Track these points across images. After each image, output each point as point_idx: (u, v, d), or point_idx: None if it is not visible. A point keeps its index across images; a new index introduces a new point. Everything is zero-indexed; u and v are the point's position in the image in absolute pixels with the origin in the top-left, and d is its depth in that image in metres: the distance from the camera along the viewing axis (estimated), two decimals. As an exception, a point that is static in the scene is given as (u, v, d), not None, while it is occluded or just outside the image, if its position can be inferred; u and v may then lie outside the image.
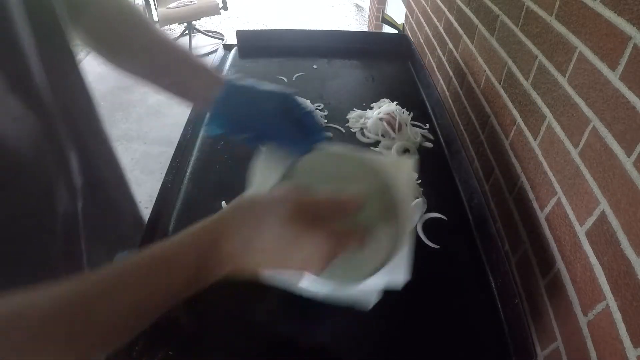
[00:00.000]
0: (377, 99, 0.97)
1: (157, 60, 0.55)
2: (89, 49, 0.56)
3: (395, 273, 0.43)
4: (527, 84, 0.80)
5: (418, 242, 0.66)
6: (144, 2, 3.41)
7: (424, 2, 1.58)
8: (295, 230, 0.35)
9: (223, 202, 0.70)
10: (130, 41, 0.55)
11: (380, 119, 0.88)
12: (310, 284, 0.42)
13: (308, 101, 0.95)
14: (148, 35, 0.55)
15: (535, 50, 0.77)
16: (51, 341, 0.29)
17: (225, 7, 3.72)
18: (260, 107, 0.52)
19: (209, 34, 3.82)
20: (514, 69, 0.85)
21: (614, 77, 0.56)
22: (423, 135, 0.90)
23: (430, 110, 0.99)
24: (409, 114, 0.93)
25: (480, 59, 1.03)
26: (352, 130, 0.92)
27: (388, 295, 0.59)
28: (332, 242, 0.36)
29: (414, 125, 0.91)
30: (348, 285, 0.43)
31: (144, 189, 1.84)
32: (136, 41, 0.55)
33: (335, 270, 0.38)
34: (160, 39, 0.56)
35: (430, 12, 1.51)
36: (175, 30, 3.91)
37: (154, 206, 0.65)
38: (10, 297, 0.28)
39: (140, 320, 0.33)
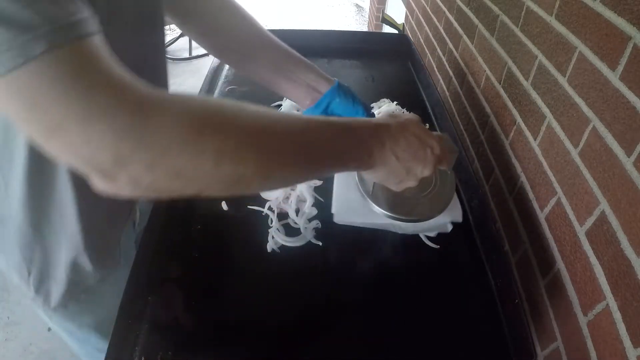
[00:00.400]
0: (377, 99, 0.97)
1: (265, 57, 0.67)
2: (202, 46, 0.70)
3: (454, 212, 0.61)
4: (527, 84, 0.80)
5: (418, 243, 0.66)
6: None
7: (424, 2, 1.58)
8: (422, 132, 0.50)
9: (223, 203, 0.70)
10: (240, 41, 0.67)
11: (380, 119, 0.88)
12: (402, 225, 0.60)
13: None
14: (256, 34, 0.67)
15: (535, 50, 0.77)
16: (287, 150, 0.40)
17: (225, 7, 3.71)
18: (352, 104, 0.68)
19: (209, 34, 3.80)
20: (514, 69, 0.85)
21: (614, 77, 0.56)
22: (423, 135, 0.89)
23: (430, 110, 0.99)
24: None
25: (480, 59, 1.03)
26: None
27: (388, 294, 0.60)
28: (441, 149, 0.51)
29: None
30: (427, 221, 0.59)
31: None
32: (245, 40, 0.67)
33: (417, 209, 0.58)
34: (269, 38, 0.67)
35: (430, 12, 1.51)
36: (175, 30, 3.91)
37: (153, 205, 0.65)
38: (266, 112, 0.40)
39: (323, 160, 0.44)
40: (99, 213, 0.60)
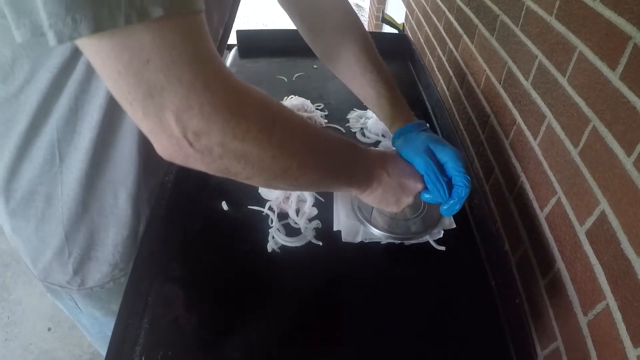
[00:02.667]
0: (377, 99, 0.97)
1: (348, 68, 0.72)
2: (299, 29, 0.73)
3: (446, 221, 0.68)
4: (527, 84, 0.80)
5: (418, 243, 0.66)
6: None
7: (424, 2, 1.58)
8: (408, 166, 0.57)
9: (223, 202, 0.70)
10: (346, 59, 0.71)
11: (381, 119, 0.88)
12: (402, 238, 0.66)
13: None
14: (367, 55, 0.70)
15: (535, 50, 0.77)
16: (313, 151, 0.45)
17: (225, 7, 3.70)
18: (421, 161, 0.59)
19: (209, 33, 3.79)
20: (514, 68, 0.85)
21: (614, 77, 0.56)
22: (423, 135, 0.89)
23: (430, 110, 0.99)
24: (409, 114, 0.92)
25: (480, 59, 1.03)
26: (353, 130, 0.92)
27: (388, 294, 0.60)
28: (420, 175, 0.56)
29: (414, 125, 0.91)
30: (425, 233, 0.66)
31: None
32: (352, 60, 0.70)
33: (413, 227, 0.66)
34: (376, 60, 0.70)
35: (430, 12, 1.51)
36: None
37: (154, 205, 0.65)
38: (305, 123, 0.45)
39: (339, 168, 0.50)
40: (147, 199, 0.62)
